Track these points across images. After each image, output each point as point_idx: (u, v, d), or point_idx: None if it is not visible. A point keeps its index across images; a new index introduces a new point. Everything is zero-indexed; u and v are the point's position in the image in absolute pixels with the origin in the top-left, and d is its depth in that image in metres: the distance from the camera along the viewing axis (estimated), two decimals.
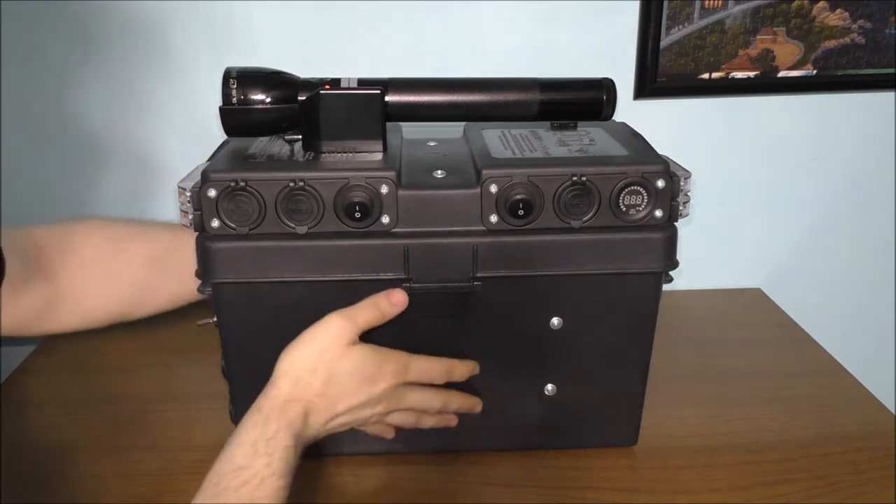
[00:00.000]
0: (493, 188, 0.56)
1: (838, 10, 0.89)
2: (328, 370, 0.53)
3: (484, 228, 0.57)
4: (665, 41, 0.89)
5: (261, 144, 0.62)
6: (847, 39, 0.90)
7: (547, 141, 0.63)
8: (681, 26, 0.88)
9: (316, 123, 0.58)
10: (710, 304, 0.98)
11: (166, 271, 0.67)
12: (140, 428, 0.72)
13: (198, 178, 0.56)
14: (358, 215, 0.55)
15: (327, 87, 0.57)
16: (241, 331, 0.59)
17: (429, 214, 0.57)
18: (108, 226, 0.67)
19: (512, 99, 0.61)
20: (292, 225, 0.56)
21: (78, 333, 0.67)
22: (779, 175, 0.98)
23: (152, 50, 0.88)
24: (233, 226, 0.56)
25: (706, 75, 0.91)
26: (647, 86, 0.91)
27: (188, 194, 0.55)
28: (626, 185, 0.57)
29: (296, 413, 0.51)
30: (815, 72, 0.92)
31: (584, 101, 0.62)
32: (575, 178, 0.56)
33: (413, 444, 0.65)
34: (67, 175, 0.93)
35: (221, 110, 0.56)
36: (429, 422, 0.61)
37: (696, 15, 0.88)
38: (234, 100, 0.56)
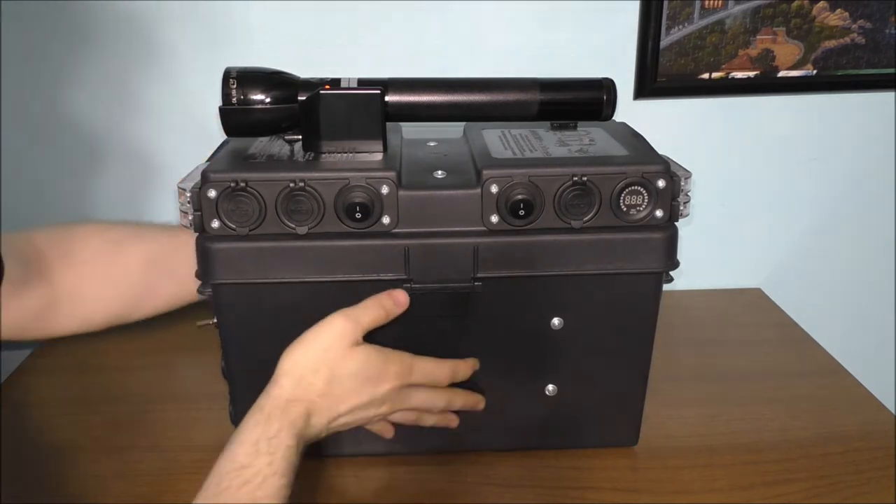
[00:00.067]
0: (494, 188, 0.56)
1: (838, 10, 0.89)
2: (331, 370, 0.53)
3: (484, 229, 0.57)
4: (665, 41, 0.89)
5: (260, 144, 0.62)
6: (847, 39, 0.90)
7: (547, 141, 0.63)
8: (681, 26, 0.88)
9: (316, 123, 0.58)
10: (710, 304, 0.98)
11: (164, 273, 0.67)
12: (140, 428, 0.72)
13: (198, 178, 0.56)
14: (358, 216, 0.55)
15: (327, 87, 0.57)
16: (242, 332, 0.59)
17: (429, 215, 0.57)
18: (106, 229, 0.67)
19: (512, 99, 0.61)
20: (292, 225, 0.56)
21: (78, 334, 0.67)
22: (779, 175, 0.98)
23: (152, 50, 0.88)
24: (233, 226, 0.55)
25: (706, 75, 0.91)
26: (647, 86, 0.91)
27: (188, 195, 0.55)
28: (627, 185, 0.57)
29: (298, 413, 0.51)
30: (815, 72, 0.92)
31: (585, 101, 0.62)
32: (576, 179, 0.56)
33: (414, 444, 0.65)
34: (67, 175, 0.93)
35: (221, 110, 0.56)
36: (430, 420, 0.61)
37: (696, 15, 0.88)
38: (234, 100, 0.56)
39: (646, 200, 0.57)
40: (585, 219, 0.57)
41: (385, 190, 0.55)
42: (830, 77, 0.92)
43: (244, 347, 0.60)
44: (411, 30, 0.89)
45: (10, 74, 0.88)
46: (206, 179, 0.54)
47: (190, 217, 0.56)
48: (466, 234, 0.57)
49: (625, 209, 0.57)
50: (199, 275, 0.58)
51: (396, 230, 0.57)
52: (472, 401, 0.62)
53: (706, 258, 0.97)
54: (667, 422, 0.71)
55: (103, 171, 0.93)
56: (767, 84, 0.92)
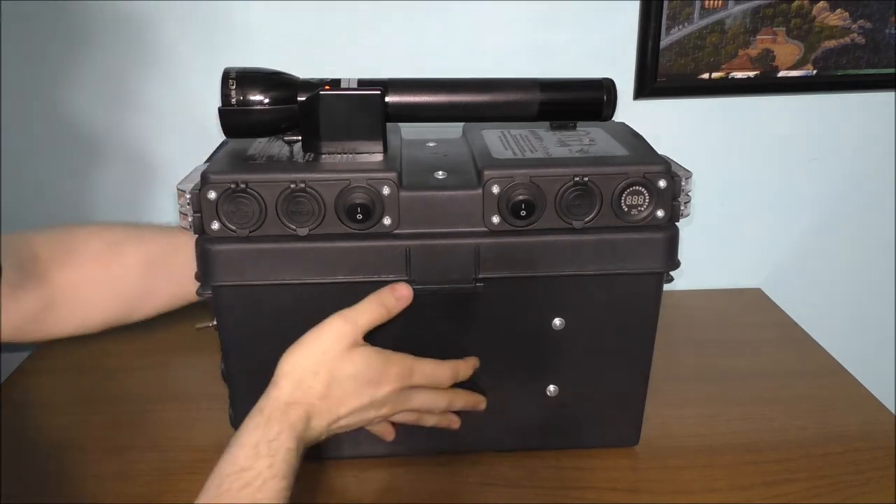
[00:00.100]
0: (495, 189, 0.56)
1: (838, 10, 0.89)
2: (330, 373, 0.52)
3: (486, 229, 0.57)
4: (665, 41, 0.89)
5: (260, 145, 0.62)
6: (847, 39, 0.90)
7: (547, 141, 0.63)
8: (681, 26, 0.88)
9: (316, 124, 0.57)
10: (710, 304, 0.98)
11: (162, 274, 0.67)
12: (140, 428, 0.72)
13: (197, 179, 0.55)
14: (359, 217, 0.55)
15: (327, 87, 0.57)
16: (242, 334, 0.59)
17: (430, 215, 0.56)
18: (104, 230, 0.67)
19: (512, 99, 0.61)
20: (293, 227, 0.55)
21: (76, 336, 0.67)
22: (779, 175, 0.98)
23: (152, 50, 0.88)
24: (233, 228, 0.55)
25: (706, 75, 0.91)
26: (647, 86, 0.91)
27: (188, 196, 0.55)
28: (628, 186, 0.56)
29: (298, 415, 0.51)
30: (815, 72, 0.92)
31: (585, 101, 0.62)
32: (577, 179, 0.56)
33: (415, 446, 0.65)
34: (67, 175, 0.93)
35: (220, 111, 0.56)
36: (431, 420, 0.61)
37: (696, 15, 0.88)
38: (234, 100, 0.56)
39: (647, 200, 0.57)
40: (587, 219, 0.57)
41: (386, 191, 0.55)
42: (830, 77, 0.92)
43: (244, 350, 0.59)
44: (411, 30, 0.89)
45: (10, 74, 0.88)
46: (205, 181, 0.54)
47: (190, 219, 0.55)
48: (467, 234, 0.57)
49: (626, 209, 0.57)
50: (198, 277, 0.57)
51: (398, 231, 0.57)
52: (474, 401, 0.62)
53: (706, 258, 0.97)
54: (667, 422, 0.71)
55: (103, 171, 0.93)
56: (767, 84, 0.92)
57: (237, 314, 0.58)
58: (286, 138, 0.60)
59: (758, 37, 0.90)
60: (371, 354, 0.54)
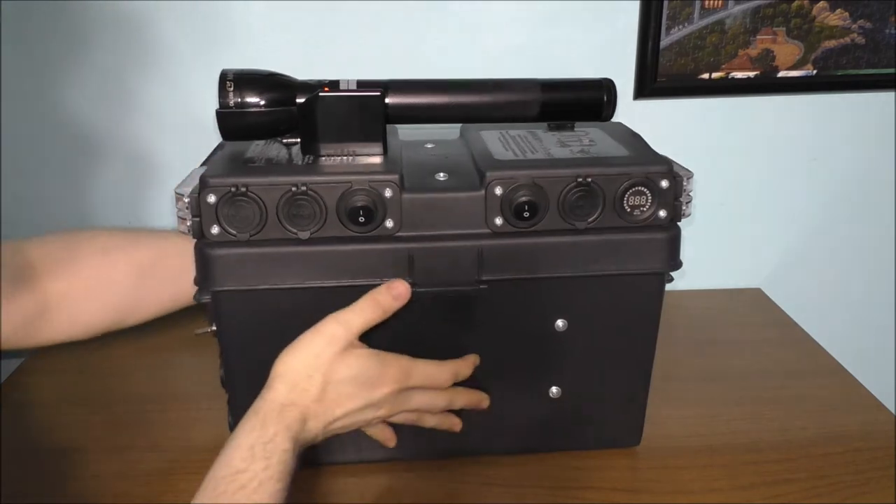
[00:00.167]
0: (498, 190, 0.56)
1: (838, 10, 0.89)
2: (324, 376, 0.52)
3: (488, 231, 0.57)
4: (665, 41, 0.89)
5: (258, 148, 0.61)
6: (847, 39, 0.90)
7: (547, 142, 0.63)
8: (681, 26, 0.88)
9: (315, 126, 0.57)
10: (710, 304, 0.98)
11: (155, 279, 0.66)
12: (140, 428, 0.72)
13: (195, 183, 0.55)
14: (362, 219, 0.54)
15: (326, 89, 0.56)
16: (243, 339, 0.58)
17: (433, 218, 0.56)
18: (96, 236, 0.67)
19: (514, 100, 0.61)
20: (294, 230, 0.55)
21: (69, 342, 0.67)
22: (779, 175, 0.98)
23: (152, 50, 0.88)
24: (233, 232, 0.55)
25: (706, 75, 0.91)
26: (647, 86, 0.91)
27: (186, 200, 0.54)
28: (631, 186, 0.56)
29: (293, 417, 0.51)
30: (815, 72, 0.92)
31: (585, 101, 0.62)
32: (580, 180, 0.56)
33: (417, 450, 0.64)
34: (66, 175, 0.93)
35: (218, 114, 0.55)
36: (431, 421, 0.61)
37: (696, 15, 0.88)
38: (231, 103, 0.55)
39: (649, 201, 0.57)
40: (589, 220, 0.57)
41: (388, 193, 0.55)
42: (830, 77, 0.92)
43: (245, 356, 0.58)
44: (411, 30, 0.88)
45: (10, 74, 0.88)
46: (205, 184, 0.53)
47: (188, 223, 0.54)
48: (470, 236, 0.57)
49: (628, 210, 0.57)
50: (197, 281, 0.57)
51: (400, 234, 0.56)
52: (476, 399, 0.61)
53: (706, 258, 0.97)
54: (667, 422, 0.71)
55: (102, 171, 0.93)
56: (767, 84, 0.92)
57: (237, 319, 0.58)
58: (284, 140, 0.60)
59: (758, 37, 0.90)
60: (366, 357, 0.54)
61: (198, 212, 0.54)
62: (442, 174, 0.58)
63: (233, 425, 0.63)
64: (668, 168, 0.57)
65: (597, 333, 0.61)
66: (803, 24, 0.89)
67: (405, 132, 0.68)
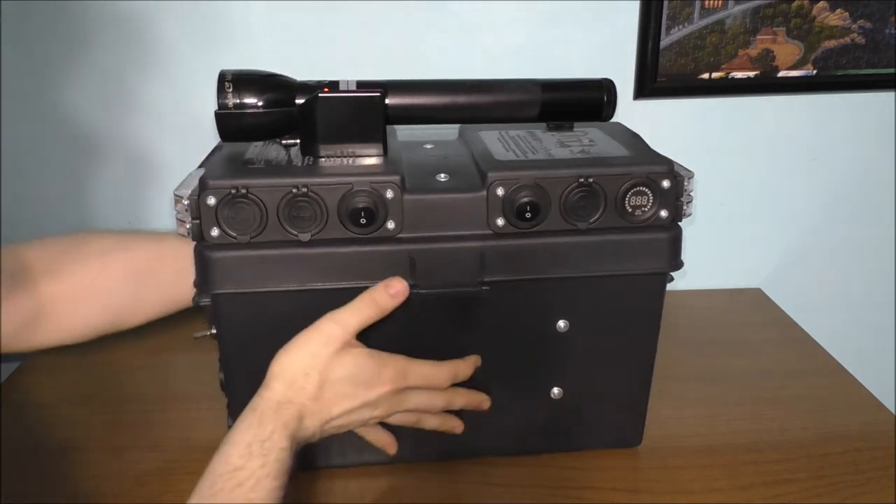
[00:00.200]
0: (500, 191, 0.55)
1: (838, 10, 0.89)
2: (321, 375, 0.52)
3: (490, 232, 0.57)
4: (665, 41, 0.89)
5: (256, 149, 0.61)
6: (847, 39, 0.90)
7: (546, 142, 0.63)
8: (681, 26, 0.88)
9: (315, 127, 0.56)
10: (710, 304, 0.98)
11: (151, 282, 0.66)
12: (140, 428, 0.72)
13: (193, 185, 0.54)
14: (363, 221, 0.54)
15: (326, 89, 0.56)
16: (243, 343, 0.58)
17: (434, 219, 0.56)
18: (91, 240, 0.66)
19: (514, 100, 0.61)
20: (295, 232, 0.55)
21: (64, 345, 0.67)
22: (779, 175, 0.98)
23: (152, 50, 0.88)
24: (233, 234, 0.54)
25: (706, 75, 0.91)
26: (647, 86, 0.91)
27: (185, 202, 0.53)
28: (633, 186, 0.56)
29: (290, 415, 0.51)
30: (815, 72, 0.92)
31: (585, 101, 0.62)
32: (581, 180, 0.56)
33: (418, 452, 0.64)
34: (66, 175, 0.92)
35: (217, 115, 0.55)
36: (431, 422, 0.60)
37: (696, 15, 0.88)
38: (230, 104, 0.55)
39: (651, 201, 0.57)
40: (591, 220, 0.57)
41: (390, 194, 0.54)
42: (830, 77, 0.92)
43: (245, 359, 0.57)
44: (411, 30, 0.88)
45: (10, 74, 0.87)
46: (204, 186, 0.53)
47: (188, 225, 0.54)
48: (472, 237, 0.56)
49: (630, 210, 0.57)
50: (197, 284, 0.56)
51: (401, 235, 0.56)
52: (476, 400, 0.61)
53: (706, 258, 0.97)
54: (667, 422, 0.71)
55: (102, 171, 0.93)
56: (767, 84, 0.92)
57: (237, 322, 0.57)
58: (283, 141, 0.59)
59: (758, 37, 0.90)
60: (363, 356, 0.54)
61: (197, 214, 0.54)
62: (443, 175, 0.58)
63: None
64: (670, 168, 0.57)
65: (598, 334, 0.61)
66: (803, 24, 0.89)
67: (403, 133, 0.68)
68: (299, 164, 0.57)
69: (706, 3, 0.88)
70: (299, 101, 0.56)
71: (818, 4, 0.89)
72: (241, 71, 0.56)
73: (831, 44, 0.90)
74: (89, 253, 0.65)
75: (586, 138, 0.64)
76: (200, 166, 0.58)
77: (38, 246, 0.64)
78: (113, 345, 0.81)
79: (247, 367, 0.55)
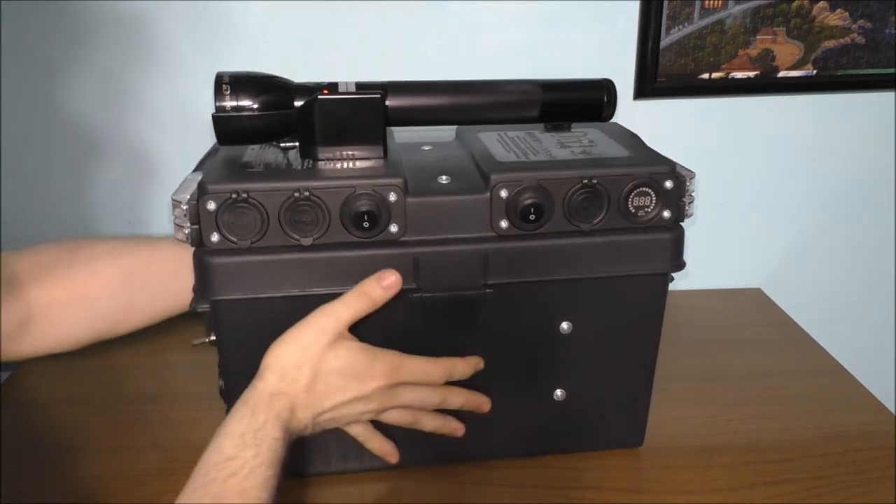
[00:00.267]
0: (504, 193, 0.55)
1: (838, 10, 0.89)
2: (313, 367, 0.52)
3: (493, 234, 0.56)
4: (665, 41, 0.89)
5: (254, 152, 0.60)
6: (847, 39, 0.90)
7: (546, 143, 0.63)
8: (681, 26, 0.88)
9: (314, 129, 0.56)
10: (710, 304, 0.98)
11: (143, 288, 0.66)
12: (140, 428, 0.72)
13: (191, 189, 0.53)
14: (366, 225, 0.54)
15: (325, 91, 0.55)
16: (244, 350, 0.55)
17: (437, 221, 0.55)
18: (83, 246, 0.66)
19: (514, 101, 0.61)
20: (297, 237, 0.54)
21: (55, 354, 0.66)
22: (779, 175, 0.98)
23: (152, 50, 0.88)
24: (234, 239, 0.53)
25: (706, 75, 0.91)
26: (647, 86, 0.91)
27: (184, 207, 0.52)
28: (636, 187, 0.56)
29: (282, 405, 0.51)
30: (815, 72, 0.92)
31: (585, 102, 0.62)
32: (585, 181, 0.55)
33: (420, 456, 0.64)
34: (66, 175, 0.92)
35: (215, 118, 0.54)
36: (430, 423, 0.60)
37: (696, 15, 0.88)
38: (228, 106, 0.54)
39: (653, 201, 0.57)
40: (594, 221, 0.57)
41: (393, 197, 0.54)
42: (830, 77, 0.92)
43: (246, 366, 0.55)
44: (411, 30, 0.88)
45: (10, 74, 0.87)
46: (203, 191, 0.52)
47: (186, 230, 0.53)
48: (475, 240, 0.56)
49: (633, 211, 0.57)
50: (195, 290, 0.55)
51: (404, 238, 0.55)
52: (475, 401, 0.61)
53: (706, 258, 0.97)
54: (667, 422, 0.71)
55: (102, 171, 0.92)
56: (767, 84, 0.92)
57: (238, 329, 0.56)
58: (281, 144, 0.59)
59: (758, 37, 0.90)
60: (356, 350, 0.54)
61: (196, 219, 0.53)
62: (444, 177, 0.57)
63: None
64: (672, 168, 0.57)
65: (601, 335, 0.61)
66: (803, 24, 0.89)
67: (399, 134, 0.67)
68: (299, 167, 0.56)
69: (706, 3, 0.88)
70: (298, 103, 0.55)
71: (818, 4, 0.89)
72: (238, 73, 0.55)
73: (831, 44, 0.90)
74: (80, 259, 0.64)
75: (586, 139, 0.64)
76: (196, 170, 0.58)
77: (30, 253, 0.63)
78: (113, 345, 0.81)
79: (247, 374, 0.54)
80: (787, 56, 0.91)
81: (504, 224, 0.56)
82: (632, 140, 0.64)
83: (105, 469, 0.66)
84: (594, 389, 0.63)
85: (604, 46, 0.90)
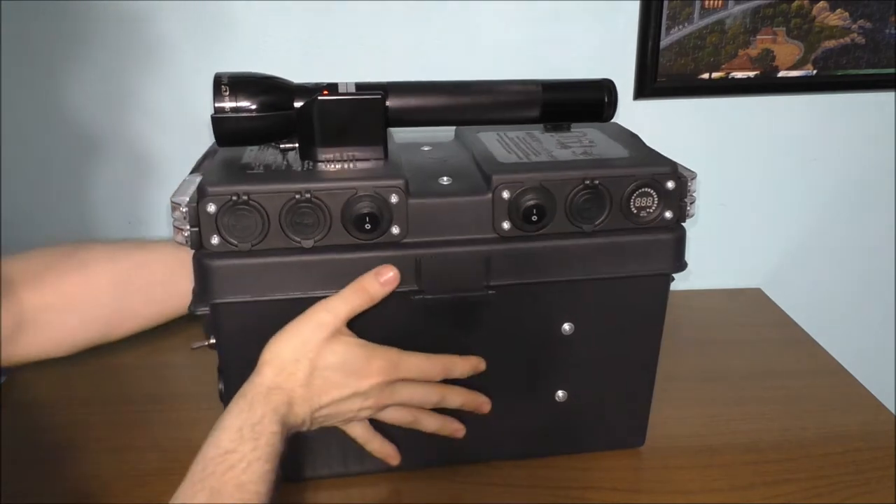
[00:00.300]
0: (506, 194, 0.55)
1: (838, 10, 0.89)
2: (311, 362, 0.52)
3: (495, 235, 0.56)
4: (665, 41, 0.89)
5: (252, 153, 0.59)
6: (847, 39, 0.90)
7: (547, 143, 0.63)
8: (681, 26, 0.88)
9: (314, 131, 0.55)
10: (710, 304, 0.98)
11: (137, 292, 0.65)
12: (140, 428, 0.72)
13: (189, 191, 0.53)
14: (368, 227, 0.53)
15: (325, 92, 0.55)
16: (244, 353, 0.54)
17: (439, 223, 0.55)
18: (76, 250, 0.65)
19: (515, 101, 0.60)
20: (298, 239, 0.53)
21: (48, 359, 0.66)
22: (779, 175, 0.98)
23: (152, 50, 0.88)
24: (234, 242, 0.53)
25: (706, 75, 0.91)
26: (647, 86, 0.91)
27: (183, 210, 0.52)
28: (638, 188, 0.56)
29: (280, 400, 0.51)
30: (815, 72, 0.92)
31: (586, 102, 0.62)
32: (587, 182, 0.55)
33: (424, 459, 0.64)
34: (66, 175, 0.92)
35: (214, 119, 0.53)
36: (430, 423, 0.60)
37: (696, 15, 0.88)
38: (227, 108, 0.53)
39: (655, 202, 0.57)
40: (596, 222, 0.57)
41: (394, 199, 0.54)
42: (830, 77, 0.92)
43: (246, 369, 0.54)
44: (411, 30, 0.88)
45: (10, 74, 0.87)
46: (203, 193, 0.51)
47: (186, 233, 0.52)
48: (477, 241, 0.56)
49: (635, 211, 0.57)
50: (195, 293, 0.55)
51: (406, 240, 0.55)
52: (475, 401, 0.61)
53: (706, 258, 0.97)
54: (667, 422, 0.71)
55: (102, 171, 0.93)
56: (767, 84, 0.92)
57: (238, 332, 0.56)
58: (281, 145, 0.58)
59: (758, 37, 0.90)
60: (354, 345, 0.54)
61: (196, 222, 0.52)
62: (445, 178, 0.57)
63: None
64: (674, 169, 0.57)
65: (603, 336, 0.61)
66: (803, 24, 0.89)
67: (398, 135, 0.67)
68: (299, 168, 0.56)
69: (706, 3, 0.88)
70: (297, 104, 0.55)
71: (818, 4, 0.89)
72: (237, 74, 0.54)
73: (831, 44, 0.91)
74: (74, 264, 0.64)
75: (586, 139, 0.64)
76: (194, 171, 0.57)
77: (23, 258, 0.63)
78: (113, 346, 0.81)
79: (247, 377, 0.54)
80: (787, 56, 0.91)
81: (506, 225, 0.56)
82: (632, 140, 0.64)
83: (105, 469, 0.66)
84: (596, 390, 0.63)
85: (604, 46, 0.90)
